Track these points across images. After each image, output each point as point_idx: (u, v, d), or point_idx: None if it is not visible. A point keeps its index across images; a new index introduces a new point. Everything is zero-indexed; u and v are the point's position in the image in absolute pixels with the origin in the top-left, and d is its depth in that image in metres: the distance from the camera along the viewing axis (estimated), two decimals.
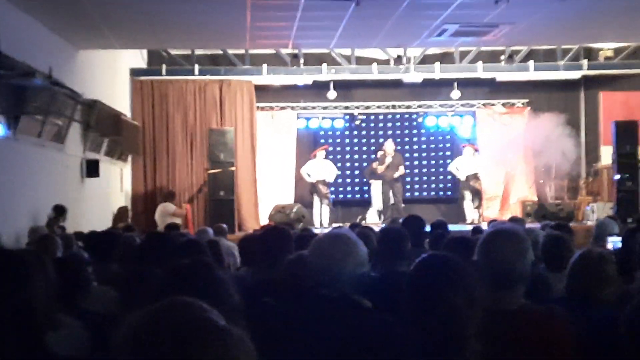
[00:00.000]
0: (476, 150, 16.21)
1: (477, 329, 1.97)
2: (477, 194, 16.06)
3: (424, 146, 17.38)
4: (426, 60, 15.44)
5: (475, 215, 15.87)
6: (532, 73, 15.56)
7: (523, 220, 8.01)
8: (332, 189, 16.83)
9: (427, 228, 7.22)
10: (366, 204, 16.54)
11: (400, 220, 7.52)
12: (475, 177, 16.00)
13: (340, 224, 13.09)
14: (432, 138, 17.39)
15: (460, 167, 16.09)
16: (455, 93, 16.11)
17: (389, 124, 17.35)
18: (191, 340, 1.25)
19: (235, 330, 1.32)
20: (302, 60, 14.89)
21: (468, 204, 16.03)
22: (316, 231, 8.91)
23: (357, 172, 17.08)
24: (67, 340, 3.05)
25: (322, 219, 15.57)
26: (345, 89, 16.20)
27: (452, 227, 9.04)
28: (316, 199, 15.76)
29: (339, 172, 16.65)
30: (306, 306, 2.78)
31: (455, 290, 1.98)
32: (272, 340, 2.49)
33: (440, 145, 17.40)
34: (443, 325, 1.96)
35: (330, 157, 16.79)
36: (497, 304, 2.52)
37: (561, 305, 3.00)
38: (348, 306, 2.60)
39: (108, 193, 13.54)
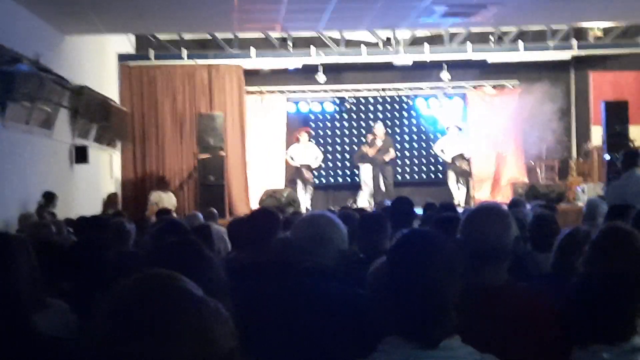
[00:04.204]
0: (460, 129, 16.16)
1: (458, 303, 1.99)
2: (463, 175, 15.98)
3: (414, 129, 17.36)
4: (415, 42, 15.41)
5: (462, 197, 15.83)
6: (522, 54, 15.54)
7: (523, 202, 7.99)
8: (323, 173, 16.84)
9: (420, 211, 7.26)
10: (356, 187, 16.55)
11: (389, 203, 7.55)
12: (461, 157, 15.91)
13: (331, 208, 13.08)
14: (422, 120, 17.38)
15: (445, 148, 16.03)
16: (445, 75, 16.09)
17: (379, 107, 17.33)
18: (165, 309, 1.27)
19: (212, 301, 1.34)
20: (290, 44, 14.84)
21: (454, 185, 15.99)
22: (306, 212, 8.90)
23: (347, 155, 17.08)
24: (54, 322, 3.05)
25: (304, 204, 15.56)
26: (335, 72, 16.17)
27: None
28: (299, 184, 15.76)
29: (329, 156, 16.65)
30: (291, 280, 2.81)
31: (436, 264, 1.99)
32: (256, 315, 2.50)
33: (431, 128, 17.37)
34: (422, 299, 1.98)
35: (321, 140, 16.79)
36: (480, 280, 2.53)
37: (545, 281, 3.03)
38: (327, 283, 2.62)
39: (97, 179, 13.51)
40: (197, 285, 1.40)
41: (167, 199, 13.62)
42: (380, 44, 15.33)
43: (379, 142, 15.68)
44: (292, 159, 15.83)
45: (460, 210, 10.40)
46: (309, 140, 16.05)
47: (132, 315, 1.27)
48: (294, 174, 15.91)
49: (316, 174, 16.37)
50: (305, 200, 15.68)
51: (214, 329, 1.29)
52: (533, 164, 16.44)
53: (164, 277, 1.35)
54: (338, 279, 2.74)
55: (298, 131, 16.07)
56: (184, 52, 15.10)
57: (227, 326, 1.33)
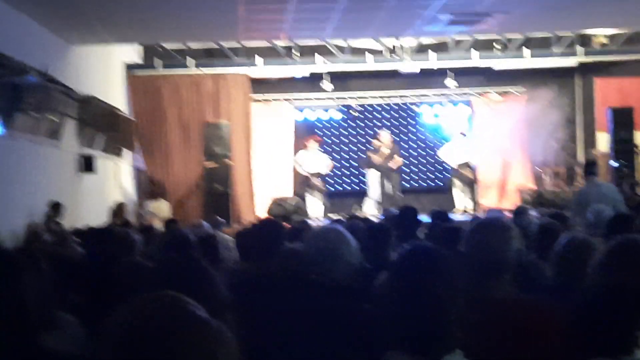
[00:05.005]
0: (465, 136, 16.15)
1: (462, 317, 2.01)
2: (468, 183, 15.97)
3: (420, 136, 17.38)
4: (421, 49, 15.43)
5: (468, 204, 15.82)
6: (527, 61, 15.55)
7: (527, 210, 8.01)
8: (330, 180, 16.85)
9: (426, 219, 7.27)
10: (362, 194, 16.56)
11: (395, 211, 7.56)
12: (466, 165, 15.91)
13: (337, 216, 13.10)
14: (426, 129, 17.38)
15: (450, 155, 16.02)
16: (451, 82, 16.10)
17: (385, 114, 17.37)
18: (170, 332, 1.30)
19: (215, 322, 1.36)
20: (296, 52, 14.89)
21: (458, 192, 15.98)
22: (312, 224, 8.93)
23: (354, 162, 17.12)
24: (62, 338, 3.07)
25: (316, 212, 15.58)
26: (341, 79, 16.20)
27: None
28: (310, 191, 15.76)
29: (336, 164, 16.68)
30: (299, 293, 2.82)
31: (437, 280, 2.02)
32: (261, 329, 2.53)
33: (437, 135, 17.39)
34: (424, 315, 2.00)
35: (328, 148, 16.82)
36: (484, 293, 2.55)
37: (548, 293, 3.04)
38: (338, 293, 2.65)
39: (104, 189, 13.55)
40: (199, 303, 1.42)
41: (163, 208, 13.72)
42: (386, 52, 15.36)
43: (385, 150, 15.70)
44: (299, 165, 15.80)
45: (467, 217, 10.43)
46: (318, 148, 16.06)
47: (137, 338, 1.29)
48: (303, 182, 15.90)
49: (330, 180, 16.39)
50: (316, 208, 15.68)
51: (217, 351, 1.32)
52: (539, 170, 16.43)
53: (169, 300, 1.37)
54: (346, 292, 2.76)
55: (307, 139, 16.08)
56: (191, 62, 15.15)
57: (231, 348, 1.35)
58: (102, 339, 1.34)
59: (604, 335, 2.32)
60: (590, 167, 9.06)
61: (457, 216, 13.71)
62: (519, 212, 7.15)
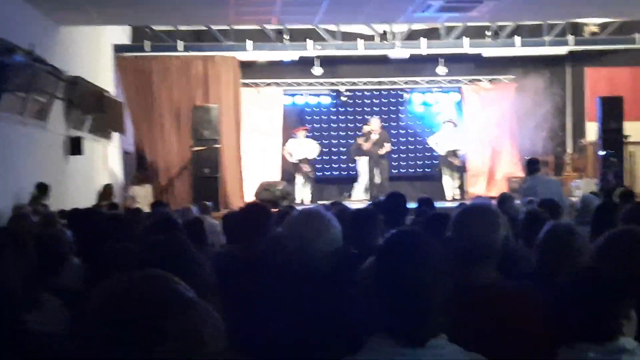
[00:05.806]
0: (455, 125, 16.18)
1: (446, 302, 2.01)
2: (456, 170, 16.03)
3: (410, 123, 17.37)
4: (412, 35, 15.40)
5: (456, 191, 15.89)
6: (518, 49, 15.55)
7: (512, 198, 8.07)
8: (319, 166, 16.84)
9: (413, 205, 7.28)
10: (351, 180, 16.57)
11: (382, 198, 7.56)
12: (454, 153, 15.96)
13: (325, 202, 13.06)
14: (414, 117, 17.39)
15: (439, 143, 16.07)
16: (442, 69, 16.09)
17: (375, 100, 17.35)
18: (157, 310, 1.29)
19: (203, 302, 1.35)
20: (287, 36, 14.83)
21: (447, 180, 16.04)
22: (299, 209, 8.94)
23: (343, 148, 17.10)
24: (46, 319, 3.06)
25: (304, 197, 15.61)
26: (331, 65, 16.17)
27: (438, 204, 9.12)
28: (299, 177, 15.78)
29: (325, 149, 16.68)
30: (283, 277, 2.81)
31: (422, 265, 2.01)
32: (249, 308, 2.53)
33: (427, 122, 17.40)
34: (409, 299, 2.00)
35: (317, 134, 16.80)
36: (469, 279, 2.55)
37: (533, 279, 3.05)
38: (317, 281, 2.64)
39: (92, 171, 13.48)
40: (185, 284, 1.41)
41: (148, 192, 13.70)
42: (377, 37, 15.32)
43: (374, 136, 15.70)
44: (290, 155, 15.82)
45: (454, 204, 10.47)
46: (307, 135, 16.09)
47: (122, 315, 1.28)
48: (293, 169, 15.92)
49: (319, 166, 16.42)
50: (305, 193, 15.71)
51: (203, 330, 1.31)
52: (528, 158, 16.45)
53: (157, 278, 1.36)
54: (331, 277, 2.75)
55: (296, 129, 16.11)
56: (180, 44, 15.06)
57: (217, 328, 1.35)
58: (87, 315, 1.33)
59: (588, 321, 2.33)
60: (532, 164, 9.91)
61: (447, 203, 13.74)
62: (503, 200, 7.18)
